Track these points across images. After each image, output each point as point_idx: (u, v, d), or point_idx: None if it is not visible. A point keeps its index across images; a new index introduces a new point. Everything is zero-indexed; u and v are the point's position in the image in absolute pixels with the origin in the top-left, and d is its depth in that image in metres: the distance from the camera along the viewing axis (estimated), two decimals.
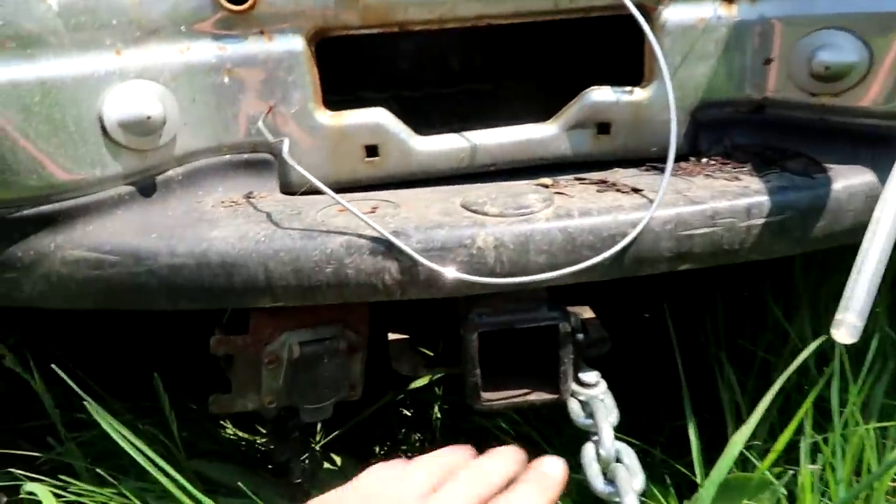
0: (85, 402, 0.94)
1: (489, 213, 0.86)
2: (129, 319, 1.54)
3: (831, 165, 0.94)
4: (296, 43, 0.93)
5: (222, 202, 0.95)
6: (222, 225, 0.87)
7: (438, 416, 1.52)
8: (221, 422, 1.53)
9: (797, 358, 1.01)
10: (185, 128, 0.92)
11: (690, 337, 1.44)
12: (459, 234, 0.83)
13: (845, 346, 1.06)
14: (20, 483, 1.04)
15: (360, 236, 0.83)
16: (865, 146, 0.95)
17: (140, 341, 1.55)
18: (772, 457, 0.93)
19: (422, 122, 1.04)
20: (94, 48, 0.81)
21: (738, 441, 0.87)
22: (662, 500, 1.06)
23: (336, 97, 1.03)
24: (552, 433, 1.35)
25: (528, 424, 1.34)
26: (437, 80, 1.36)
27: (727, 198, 0.88)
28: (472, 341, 0.90)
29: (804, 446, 0.96)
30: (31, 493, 0.98)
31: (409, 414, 1.54)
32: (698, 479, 1.03)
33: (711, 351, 1.34)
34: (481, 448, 1.40)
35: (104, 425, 0.93)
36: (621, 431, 0.96)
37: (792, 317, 1.32)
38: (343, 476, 1.21)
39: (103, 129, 0.83)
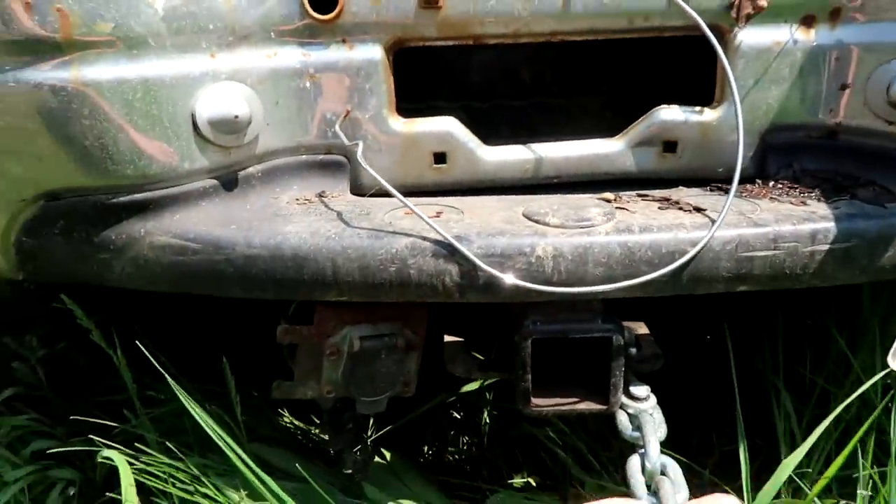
0: (166, 377, 1.01)
1: (550, 224, 0.88)
2: (201, 307, 1.64)
3: None
4: (375, 52, 0.98)
5: (297, 199, 1.00)
6: (296, 221, 0.93)
7: (487, 420, 1.54)
8: (280, 410, 1.60)
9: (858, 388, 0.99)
10: (267, 128, 0.98)
11: (748, 362, 1.42)
12: (520, 243, 0.86)
13: None
14: (97, 449, 1.12)
15: (424, 239, 0.87)
16: None
17: (209, 329, 1.63)
18: (822, 483, 0.92)
19: (491, 133, 1.07)
20: (192, 51, 0.88)
21: (788, 465, 0.87)
22: None
23: (408, 105, 1.07)
24: (599, 447, 1.35)
25: (576, 435, 1.35)
26: (507, 93, 1.39)
27: (791, 222, 0.87)
28: (526, 347, 0.92)
29: (862, 477, 0.94)
30: (107, 458, 1.06)
31: (458, 417, 1.57)
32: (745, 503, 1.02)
33: (769, 377, 1.32)
34: (527, 455, 1.42)
35: (182, 398, 1.00)
36: (671, 450, 0.96)
37: (857, 347, 1.29)
38: (392, 471, 1.26)
39: (194, 125, 0.90)
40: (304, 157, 1.04)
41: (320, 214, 0.95)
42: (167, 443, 1.13)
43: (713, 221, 0.87)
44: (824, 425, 0.91)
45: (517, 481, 1.40)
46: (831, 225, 0.87)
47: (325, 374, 1.00)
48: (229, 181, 0.97)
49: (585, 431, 1.39)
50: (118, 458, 1.04)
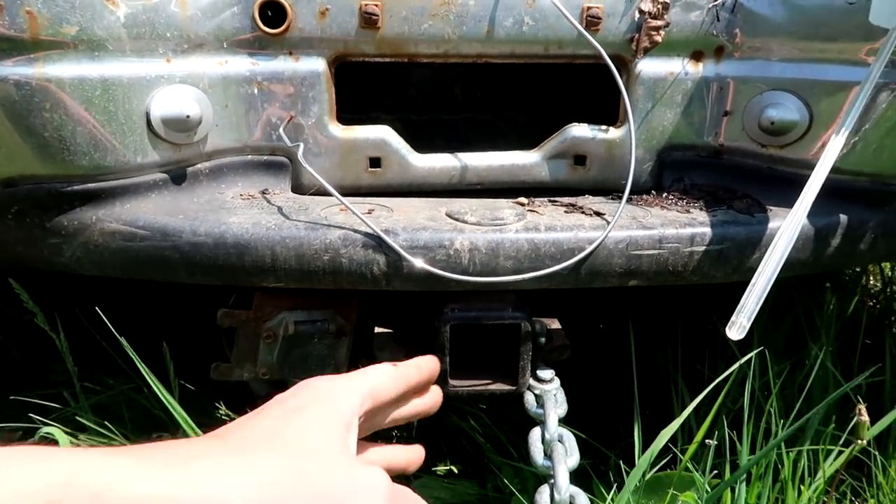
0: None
1: (468, 222, 1.00)
2: (138, 299, 1.69)
3: (772, 207, 1.08)
4: (319, 64, 1.08)
5: (241, 195, 1.09)
6: (239, 213, 1.02)
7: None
8: (216, 403, 1.66)
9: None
10: (216, 129, 1.07)
11: (652, 360, 1.57)
12: (440, 237, 0.97)
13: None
14: (36, 427, 1.17)
15: (356, 231, 0.98)
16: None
17: (146, 321, 1.68)
18: (692, 448, 1.05)
19: (425, 143, 1.19)
20: (149, 55, 0.97)
21: (663, 435, 1.00)
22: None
23: (350, 115, 1.18)
24: (518, 438, 1.46)
25: (497, 427, 1.46)
26: (441, 107, 1.52)
27: (675, 226, 1.01)
28: (445, 332, 1.03)
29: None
30: (48, 434, 1.11)
31: None
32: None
33: (670, 374, 1.46)
34: (451, 445, 1.51)
35: (144, 373, 1.06)
36: (579, 442, 1.08)
37: (746, 347, 1.44)
38: None
39: (148, 123, 0.98)
40: (249, 156, 1.13)
41: (262, 208, 1.04)
42: (106, 423, 1.19)
43: (608, 223, 1.00)
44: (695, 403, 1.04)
45: (440, 468, 1.50)
46: (707, 230, 1.01)
47: (260, 356, 1.08)
48: (178, 175, 1.06)
49: (506, 423, 1.50)
50: (59, 434, 1.10)
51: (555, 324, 1.25)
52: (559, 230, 0.99)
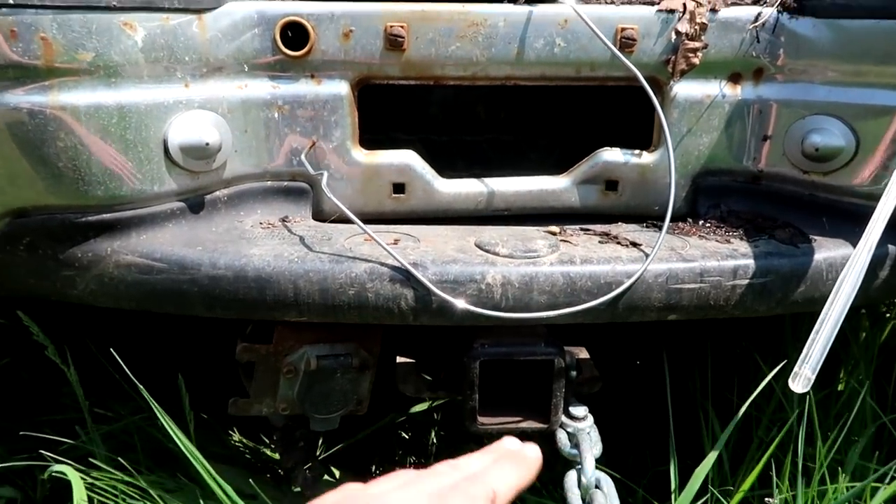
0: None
1: (500, 254, 0.95)
2: (152, 329, 1.64)
3: (816, 237, 1.03)
4: (341, 87, 1.04)
5: (261, 223, 1.05)
6: (260, 244, 0.97)
7: (434, 441, 1.59)
8: (230, 431, 1.62)
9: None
10: (235, 154, 1.03)
11: (680, 388, 1.52)
12: (471, 271, 0.93)
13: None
14: (44, 465, 1.12)
15: (382, 264, 0.93)
16: (848, 222, 1.04)
17: (160, 351, 1.64)
18: (738, 496, 1.00)
19: (447, 166, 1.14)
20: (167, 80, 0.92)
21: (699, 474, 0.95)
22: None
23: (369, 136, 1.13)
24: (542, 468, 1.41)
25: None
26: (463, 128, 1.47)
27: (716, 258, 0.97)
28: (475, 369, 0.98)
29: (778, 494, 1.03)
30: (59, 473, 1.07)
31: (406, 436, 1.62)
32: None
33: (698, 401, 1.41)
34: None
35: (153, 407, 1.02)
36: (607, 467, 1.03)
37: (779, 376, 1.39)
38: None
39: (166, 150, 0.94)
40: (269, 182, 1.09)
41: (283, 238, 1.00)
42: (119, 459, 1.14)
43: (647, 255, 0.96)
44: (728, 433, 0.99)
45: None
46: (751, 262, 0.97)
47: (280, 391, 1.04)
48: (196, 204, 1.01)
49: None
50: (71, 473, 1.05)
51: (583, 353, 1.20)
52: (595, 263, 0.95)
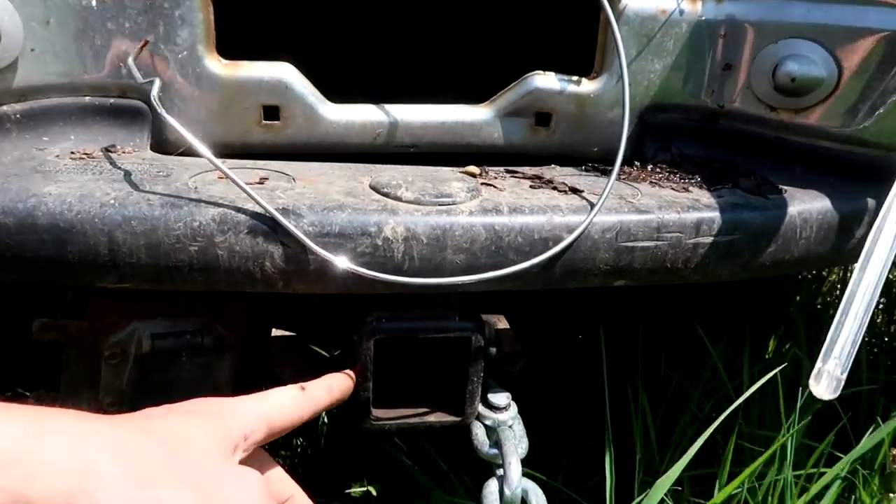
0: None
1: (403, 199, 0.71)
2: None
3: (785, 187, 0.85)
4: None
5: (72, 153, 0.76)
6: (62, 180, 0.69)
7: (325, 420, 1.36)
8: None
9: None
10: (31, 55, 0.74)
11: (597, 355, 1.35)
12: (364, 220, 0.68)
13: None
14: None
15: (239, 210, 0.67)
16: (822, 169, 0.87)
17: None
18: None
19: (340, 97, 0.88)
20: None
21: (661, 486, 0.77)
22: None
23: (238, 53, 0.86)
24: (451, 449, 1.21)
25: (423, 436, 1.20)
26: (359, 49, 1.21)
27: (675, 209, 0.77)
28: (368, 349, 0.75)
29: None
30: None
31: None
32: None
33: (625, 374, 1.25)
34: (369, 460, 1.25)
35: None
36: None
37: (715, 342, 1.25)
38: None
39: None
40: (87, 98, 0.80)
41: (100, 173, 0.71)
42: None
43: (592, 205, 0.74)
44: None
45: (356, 490, 1.24)
46: (716, 214, 0.77)
47: (104, 381, 0.76)
48: None
49: (440, 435, 1.24)
50: None
51: (502, 322, 0.99)
52: (528, 213, 0.72)
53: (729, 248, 0.78)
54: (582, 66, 0.91)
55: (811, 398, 1.17)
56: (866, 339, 1.45)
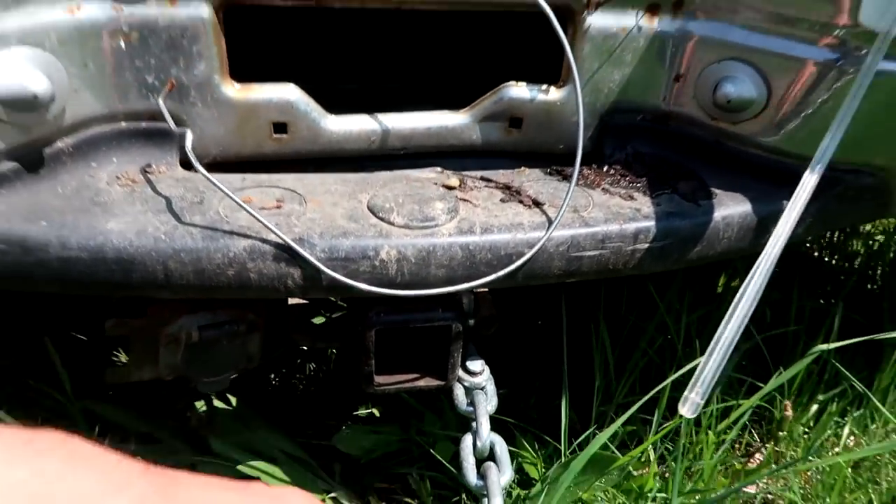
0: None
1: (395, 224, 0.88)
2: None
3: (717, 190, 1.01)
4: (202, 10, 0.87)
5: (118, 178, 0.91)
6: (118, 213, 0.84)
7: (333, 352, 1.58)
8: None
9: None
10: (75, 95, 0.86)
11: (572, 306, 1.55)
12: (364, 245, 0.85)
13: None
14: None
15: (264, 241, 0.83)
16: (750, 173, 1.03)
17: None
18: (634, 453, 1.07)
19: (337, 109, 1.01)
20: None
21: (600, 438, 1.00)
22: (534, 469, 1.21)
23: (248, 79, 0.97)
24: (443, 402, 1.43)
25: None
26: (353, 75, 1.31)
27: (619, 222, 0.93)
28: (370, 337, 0.94)
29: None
30: None
31: (303, 350, 1.60)
32: (562, 449, 1.17)
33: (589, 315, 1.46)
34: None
35: None
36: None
37: (664, 290, 1.45)
38: (239, 420, 1.27)
39: None
40: (123, 124, 0.93)
41: (146, 202, 0.87)
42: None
43: (549, 220, 0.91)
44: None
45: (362, 412, 1.48)
46: (652, 224, 0.94)
47: (162, 359, 0.96)
48: (34, 161, 0.85)
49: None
50: None
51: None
52: (496, 231, 0.89)
53: (661, 251, 0.96)
54: (553, 75, 1.03)
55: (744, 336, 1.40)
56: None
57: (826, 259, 1.90)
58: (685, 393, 0.70)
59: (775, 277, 1.69)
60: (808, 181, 0.80)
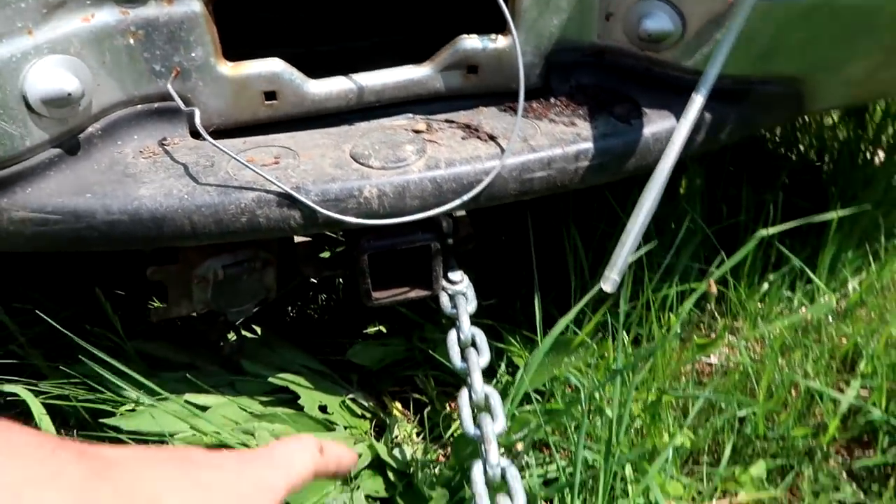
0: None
1: (373, 167, 1.06)
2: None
3: (648, 110, 1.18)
4: (194, 5, 1.03)
5: (141, 152, 1.09)
6: (147, 181, 1.03)
7: (341, 281, 1.79)
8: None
9: None
10: (99, 88, 1.03)
11: (548, 218, 1.74)
12: (350, 187, 1.04)
13: None
14: None
15: (268, 192, 1.02)
16: (675, 93, 1.19)
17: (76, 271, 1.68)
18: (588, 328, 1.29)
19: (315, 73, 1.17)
20: (9, 33, 0.90)
21: (562, 322, 1.21)
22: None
23: (237, 51, 1.14)
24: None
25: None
26: (327, 36, 1.46)
27: (562, 146, 1.11)
28: (364, 260, 1.14)
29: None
30: (11, 395, 1.20)
31: (314, 282, 1.81)
32: (538, 338, 1.38)
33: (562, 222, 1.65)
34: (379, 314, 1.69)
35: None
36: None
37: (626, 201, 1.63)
38: (265, 344, 1.49)
39: (28, 106, 0.94)
40: (139, 106, 1.10)
41: (167, 170, 1.05)
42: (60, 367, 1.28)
43: (503, 150, 1.09)
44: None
45: (370, 330, 1.70)
46: (591, 145, 1.12)
47: (195, 296, 1.17)
48: (72, 146, 1.04)
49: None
50: (21, 391, 1.18)
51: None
52: (458, 164, 1.07)
53: (600, 167, 1.13)
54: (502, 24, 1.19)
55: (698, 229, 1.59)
56: None
57: (779, 152, 2.06)
58: (605, 272, 0.89)
59: (729, 175, 1.87)
60: (697, 100, 0.97)
